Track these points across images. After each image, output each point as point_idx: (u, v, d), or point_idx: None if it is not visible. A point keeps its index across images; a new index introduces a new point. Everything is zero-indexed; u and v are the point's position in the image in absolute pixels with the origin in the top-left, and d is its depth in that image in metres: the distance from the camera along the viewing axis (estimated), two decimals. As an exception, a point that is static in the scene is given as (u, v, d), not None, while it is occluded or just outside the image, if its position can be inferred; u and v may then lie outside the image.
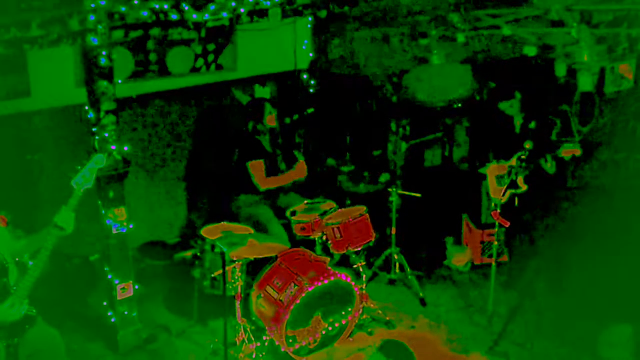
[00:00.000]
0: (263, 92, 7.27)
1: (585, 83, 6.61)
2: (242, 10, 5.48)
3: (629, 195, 6.31)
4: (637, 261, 5.54)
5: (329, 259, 5.65)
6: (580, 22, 5.98)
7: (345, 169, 7.00)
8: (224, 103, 7.16)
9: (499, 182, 5.93)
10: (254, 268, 5.54)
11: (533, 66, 7.07)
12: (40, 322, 4.18)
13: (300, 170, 6.32)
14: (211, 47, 6.93)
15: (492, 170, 6.03)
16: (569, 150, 5.98)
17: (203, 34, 6.80)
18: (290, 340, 5.13)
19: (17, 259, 4.09)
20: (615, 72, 6.85)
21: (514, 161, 5.80)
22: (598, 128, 7.00)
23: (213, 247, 5.29)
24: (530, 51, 6.45)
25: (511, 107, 6.76)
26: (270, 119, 6.29)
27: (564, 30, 6.13)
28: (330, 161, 7.16)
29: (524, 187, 5.78)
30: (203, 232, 5.41)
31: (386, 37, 7.48)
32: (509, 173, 5.79)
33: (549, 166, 5.83)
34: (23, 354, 4.01)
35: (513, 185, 5.76)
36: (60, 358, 4.29)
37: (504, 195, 5.69)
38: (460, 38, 6.61)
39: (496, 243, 5.62)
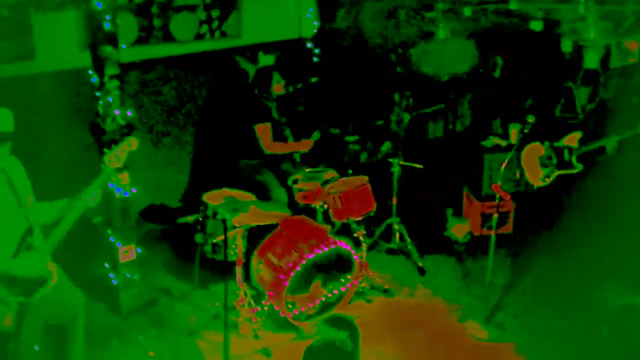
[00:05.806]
0: (267, 59, 7.24)
1: (591, 60, 6.57)
2: (247, -24, 5.45)
3: (634, 171, 6.29)
4: (638, 237, 5.56)
5: (329, 227, 5.69)
6: (587, -3, 5.93)
7: (349, 138, 7.01)
8: (228, 70, 7.14)
9: (542, 164, 5.58)
10: (255, 234, 5.59)
11: (539, 41, 7.04)
12: (64, 283, 4.24)
13: (305, 144, 6.37)
14: (215, 13, 6.89)
15: (530, 151, 5.63)
16: None
17: (207, -1, 6.77)
18: (290, 306, 5.20)
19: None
20: (621, 47, 6.81)
21: (567, 140, 5.50)
22: (602, 104, 6.98)
23: (215, 212, 5.32)
24: (537, 26, 6.41)
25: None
26: (278, 87, 6.28)
27: (571, 6, 6.09)
28: (333, 130, 7.17)
29: (578, 167, 5.50)
30: (205, 197, 5.45)
31: (392, 9, 7.44)
32: (559, 152, 5.50)
33: (611, 147, 5.43)
34: (44, 310, 4.05)
35: (565, 165, 5.49)
36: (77, 322, 4.37)
37: (548, 177, 5.48)
38: (467, 11, 6.57)
39: (496, 215, 5.63)
